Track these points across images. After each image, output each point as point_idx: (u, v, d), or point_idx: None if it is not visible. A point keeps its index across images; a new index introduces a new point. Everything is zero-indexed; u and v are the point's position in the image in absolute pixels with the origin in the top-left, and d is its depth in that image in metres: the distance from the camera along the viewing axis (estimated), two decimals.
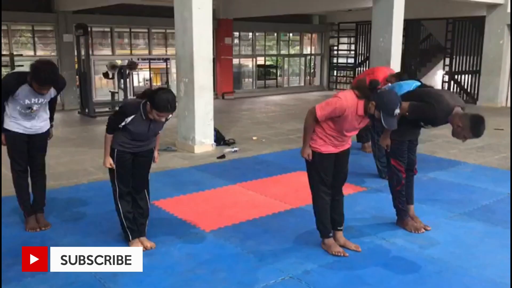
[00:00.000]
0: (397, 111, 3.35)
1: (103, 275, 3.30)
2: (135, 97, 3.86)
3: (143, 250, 3.64)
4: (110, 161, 3.63)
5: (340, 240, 3.83)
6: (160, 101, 3.37)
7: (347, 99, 3.42)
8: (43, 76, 3.72)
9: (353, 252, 3.74)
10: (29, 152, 4.15)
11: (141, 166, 3.78)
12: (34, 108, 3.95)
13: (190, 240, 3.99)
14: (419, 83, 4.42)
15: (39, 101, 3.96)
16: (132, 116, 3.50)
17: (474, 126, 3.70)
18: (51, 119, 4.27)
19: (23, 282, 3.24)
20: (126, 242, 3.79)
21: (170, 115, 3.56)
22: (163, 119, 3.50)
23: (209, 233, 4.15)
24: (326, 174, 3.64)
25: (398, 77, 5.93)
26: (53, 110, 4.30)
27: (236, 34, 15.84)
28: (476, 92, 13.49)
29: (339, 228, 3.84)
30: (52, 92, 4.02)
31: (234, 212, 4.67)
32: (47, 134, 4.23)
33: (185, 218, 4.46)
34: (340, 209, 3.82)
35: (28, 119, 4.01)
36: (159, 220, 4.24)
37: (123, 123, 3.52)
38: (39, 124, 4.09)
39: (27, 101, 3.89)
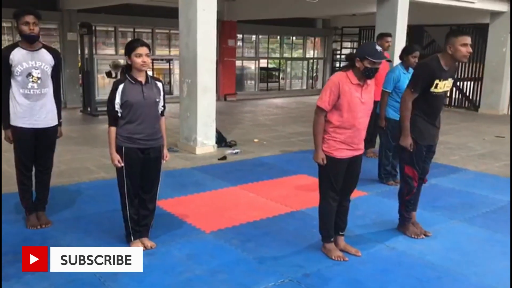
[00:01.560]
0: (378, 48, 3.42)
1: (104, 274, 3.30)
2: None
3: (143, 250, 3.65)
4: (118, 158, 3.56)
5: (341, 244, 3.83)
6: (130, 43, 3.55)
7: (335, 75, 3.53)
8: (22, 8, 3.81)
9: (353, 256, 3.74)
10: (36, 150, 4.08)
11: (151, 165, 3.70)
12: (34, 74, 3.87)
13: (190, 241, 3.99)
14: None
15: (37, 64, 3.88)
16: (122, 85, 3.51)
17: (452, 33, 3.81)
18: (59, 115, 4.17)
19: (24, 279, 3.24)
20: (127, 242, 3.79)
21: (148, 58, 3.53)
22: (146, 59, 3.49)
23: (209, 234, 4.16)
24: (337, 180, 3.61)
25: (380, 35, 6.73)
26: (59, 103, 4.18)
27: (240, 36, 15.87)
28: (478, 99, 13.50)
29: (341, 233, 3.84)
30: (49, 58, 3.97)
31: (235, 213, 4.67)
32: (55, 131, 4.15)
33: (185, 218, 4.47)
34: (345, 215, 3.82)
35: (33, 100, 3.91)
36: (160, 220, 4.23)
37: (116, 99, 3.48)
38: (45, 114, 3.99)
39: (24, 65, 3.84)
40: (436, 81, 3.85)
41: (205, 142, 7.40)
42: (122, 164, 3.58)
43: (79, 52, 11.93)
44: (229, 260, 3.67)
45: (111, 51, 13.58)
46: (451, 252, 3.90)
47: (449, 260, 3.76)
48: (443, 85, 3.91)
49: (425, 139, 4.02)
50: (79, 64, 12.30)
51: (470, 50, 3.81)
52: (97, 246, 3.75)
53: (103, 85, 13.46)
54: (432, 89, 3.87)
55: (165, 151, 3.83)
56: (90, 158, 6.79)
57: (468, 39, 3.77)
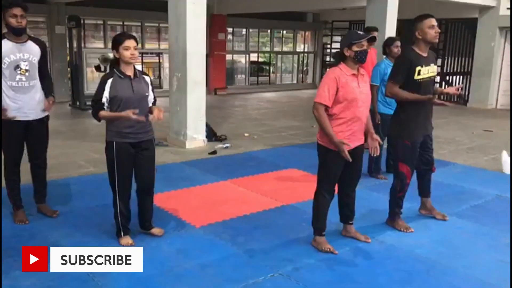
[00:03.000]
0: (360, 32, 3.56)
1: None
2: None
3: (160, 235, 3.87)
4: (125, 113, 3.40)
5: (351, 231, 3.97)
6: (117, 36, 3.55)
7: (330, 71, 3.57)
8: (9, 0, 3.79)
9: (343, 250, 3.76)
10: (28, 144, 4.09)
11: (144, 158, 3.68)
12: (22, 66, 3.84)
13: (180, 236, 3.98)
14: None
15: (25, 57, 3.86)
16: (111, 79, 3.48)
17: (418, 19, 3.96)
18: (50, 90, 4.09)
19: (12, 275, 3.22)
20: (117, 237, 3.77)
21: (136, 51, 3.52)
22: (134, 52, 3.48)
23: (199, 228, 4.15)
24: (335, 175, 3.65)
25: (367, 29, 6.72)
26: (49, 83, 4.14)
27: (230, 30, 15.81)
28: (466, 93, 13.59)
29: (350, 222, 3.96)
30: (36, 49, 3.94)
31: (225, 208, 4.67)
32: (45, 123, 4.12)
33: (175, 213, 4.46)
34: (353, 205, 3.91)
35: (22, 93, 3.87)
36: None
37: (105, 93, 3.45)
38: (35, 106, 3.96)
39: (12, 57, 3.80)
40: (418, 68, 3.88)
41: (195, 137, 7.38)
42: (135, 114, 3.42)
43: (68, 46, 11.81)
44: (219, 254, 3.67)
45: (100, 44, 13.47)
46: (440, 245, 3.94)
47: (438, 253, 3.79)
48: (427, 71, 3.94)
49: (414, 134, 4.01)
50: (68, 57, 12.18)
51: (438, 30, 3.93)
52: (86, 241, 3.77)
53: (92, 79, 13.32)
54: (416, 77, 3.89)
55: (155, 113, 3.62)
56: (79, 152, 6.74)
57: (433, 21, 3.89)
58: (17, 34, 3.85)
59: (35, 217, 4.26)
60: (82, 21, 11.38)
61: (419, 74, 3.88)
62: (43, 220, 4.19)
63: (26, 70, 3.88)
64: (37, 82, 3.99)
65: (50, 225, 4.10)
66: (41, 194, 4.31)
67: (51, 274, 3.21)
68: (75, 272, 3.24)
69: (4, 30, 3.90)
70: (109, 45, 13.26)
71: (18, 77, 3.85)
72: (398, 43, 5.61)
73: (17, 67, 3.84)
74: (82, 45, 11.47)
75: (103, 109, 3.50)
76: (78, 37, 11.01)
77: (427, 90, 4.00)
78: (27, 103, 3.92)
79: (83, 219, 4.25)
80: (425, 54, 3.95)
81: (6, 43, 3.83)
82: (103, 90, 3.47)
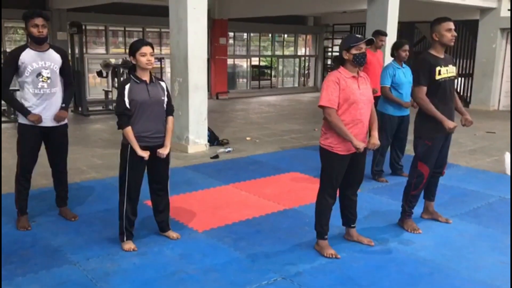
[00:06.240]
0: (358, 35, 3.59)
1: (95, 275, 3.30)
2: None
3: (177, 238, 3.95)
4: (147, 154, 3.59)
5: (354, 235, 3.96)
6: (134, 43, 3.61)
7: (330, 75, 3.59)
8: (31, 10, 3.87)
9: (345, 254, 3.75)
10: (49, 151, 4.20)
11: (160, 162, 3.74)
12: (44, 74, 3.93)
13: (182, 240, 3.98)
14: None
15: (47, 65, 3.95)
16: (128, 85, 3.57)
17: (436, 21, 3.97)
18: (66, 100, 4.15)
19: (15, 282, 3.22)
20: (120, 240, 3.78)
21: (153, 57, 3.60)
22: (151, 58, 3.57)
23: (202, 233, 4.15)
24: (338, 176, 3.66)
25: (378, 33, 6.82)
26: (69, 92, 4.22)
27: (231, 34, 15.84)
28: (468, 95, 13.58)
29: (352, 225, 3.95)
30: (57, 57, 4.03)
31: (227, 212, 4.67)
32: (63, 130, 4.19)
33: (178, 218, 4.45)
34: (354, 208, 3.90)
35: (43, 99, 3.96)
36: (152, 219, 4.22)
37: (126, 98, 3.53)
38: (53, 113, 4.03)
39: (34, 65, 3.90)
40: (438, 68, 3.94)
41: (197, 141, 7.39)
42: (146, 156, 3.60)
43: (69, 52, 11.83)
44: (222, 259, 3.66)
45: (101, 50, 13.51)
46: (443, 248, 3.93)
47: (441, 255, 3.78)
48: (446, 71, 3.99)
49: (435, 134, 4.02)
50: (70, 63, 12.21)
51: (455, 34, 3.96)
52: (88, 246, 3.76)
53: (94, 84, 13.38)
54: (437, 77, 3.94)
55: (163, 149, 3.71)
56: (81, 158, 6.75)
57: (451, 25, 3.94)
58: (39, 43, 3.95)
59: (37, 223, 4.26)
60: (83, 27, 11.42)
61: (439, 74, 3.94)
62: (45, 226, 4.20)
63: (48, 78, 3.98)
64: (58, 90, 4.09)
65: (52, 231, 4.10)
66: (63, 198, 4.43)
67: (53, 280, 3.23)
68: (76, 278, 3.26)
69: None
70: (111, 50, 13.46)
71: (40, 84, 3.96)
72: (407, 47, 5.63)
73: (39, 74, 3.94)
74: (84, 51, 11.51)
75: (130, 115, 3.57)
76: (80, 43, 11.04)
77: (447, 91, 4.03)
78: (46, 109, 4.00)
79: (86, 225, 4.25)
80: (441, 56, 4.00)
81: (29, 52, 3.93)
82: (124, 95, 3.55)
